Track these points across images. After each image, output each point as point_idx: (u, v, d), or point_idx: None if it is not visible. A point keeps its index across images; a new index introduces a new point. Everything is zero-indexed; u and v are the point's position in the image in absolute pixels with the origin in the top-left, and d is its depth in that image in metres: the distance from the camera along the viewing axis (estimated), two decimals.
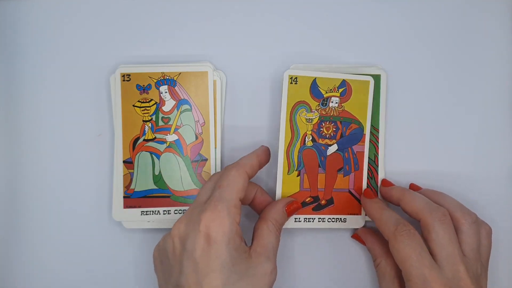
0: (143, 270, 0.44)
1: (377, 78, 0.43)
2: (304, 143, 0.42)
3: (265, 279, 0.35)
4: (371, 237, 0.42)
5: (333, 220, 0.43)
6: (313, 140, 0.43)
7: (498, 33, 0.45)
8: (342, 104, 0.43)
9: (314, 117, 0.42)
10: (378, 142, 0.43)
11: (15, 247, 0.43)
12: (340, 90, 0.43)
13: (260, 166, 0.40)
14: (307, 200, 0.43)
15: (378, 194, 0.43)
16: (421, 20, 0.45)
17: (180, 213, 0.43)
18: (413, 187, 0.43)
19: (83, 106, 0.44)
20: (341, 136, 0.43)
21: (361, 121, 0.43)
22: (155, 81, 0.42)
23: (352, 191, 0.43)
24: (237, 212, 0.35)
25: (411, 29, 0.45)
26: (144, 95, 0.42)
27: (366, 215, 0.42)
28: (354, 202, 0.43)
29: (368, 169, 0.43)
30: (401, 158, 0.44)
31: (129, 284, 0.44)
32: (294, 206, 0.41)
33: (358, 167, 0.43)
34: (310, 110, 0.42)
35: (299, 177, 0.42)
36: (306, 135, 0.42)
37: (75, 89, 0.44)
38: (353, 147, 0.43)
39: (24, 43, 0.44)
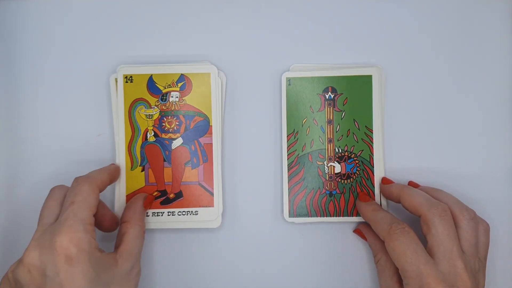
0: (144, 269, 0.44)
1: (368, 78, 0.43)
2: (146, 139, 0.44)
3: (133, 281, 0.37)
4: (373, 232, 0.42)
5: (183, 213, 0.43)
6: (156, 135, 0.44)
7: (498, 32, 0.45)
8: (183, 98, 0.44)
9: (154, 112, 0.44)
10: (373, 143, 0.43)
11: (15, 247, 0.43)
12: (179, 84, 0.44)
13: (110, 182, 0.41)
14: (154, 194, 0.43)
15: (375, 196, 0.43)
16: (421, 20, 0.45)
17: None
18: (412, 184, 0.43)
19: (83, 106, 0.44)
20: (185, 129, 0.44)
21: (205, 113, 0.44)
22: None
23: (202, 183, 0.43)
24: (92, 228, 0.35)
25: (411, 29, 0.45)
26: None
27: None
28: (205, 194, 0.43)
29: (363, 170, 0.43)
30: (400, 157, 0.44)
31: None
32: (150, 199, 0.42)
33: (207, 159, 0.43)
34: (149, 106, 0.44)
35: (143, 172, 0.43)
36: (148, 131, 0.44)
37: (75, 89, 0.44)
38: (199, 139, 0.44)
39: (24, 43, 0.45)
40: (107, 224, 0.41)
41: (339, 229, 0.44)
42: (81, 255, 0.33)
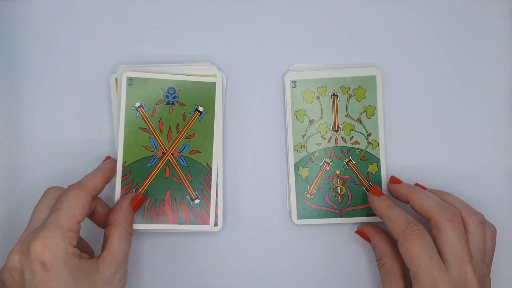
0: (145, 271, 0.44)
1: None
2: None
3: (116, 286, 0.36)
4: (377, 234, 0.41)
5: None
6: None
7: (498, 33, 0.45)
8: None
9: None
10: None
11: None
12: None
13: (106, 181, 0.40)
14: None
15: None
16: (421, 20, 0.45)
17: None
18: (419, 187, 0.42)
19: (83, 106, 0.44)
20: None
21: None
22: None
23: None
24: (73, 235, 0.35)
25: (412, 29, 0.45)
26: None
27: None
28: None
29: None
30: (401, 157, 0.44)
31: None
32: (138, 199, 0.41)
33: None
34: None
35: None
36: None
37: (74, 89, 0.44)
38: None
39: (24, 43, 0.45)
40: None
41: (346, 230, 0.44)
42: (55, 261, 0.33)
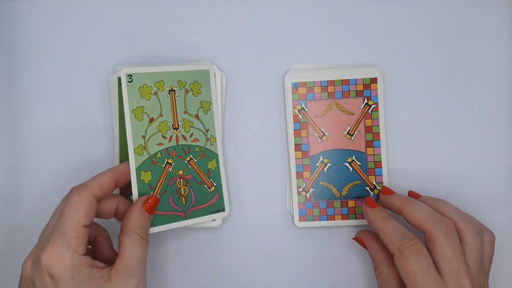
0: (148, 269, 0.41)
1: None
2: None
3: None
4: (375, 243, 0.39)
5: None
6: None
7: (498, 33, 0.44)
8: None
9: None
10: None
11: (15, 248, 0.43)
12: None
13: (117, 184, 0.38)
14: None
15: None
16: (421, 20, 0.45)
17: None
18: (413, 195, 0.41)
19: (83, 106, 0.44)
20: None
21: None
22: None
23: None
24: (79, 242, 0.34)
25: (412, 29, 0.45)
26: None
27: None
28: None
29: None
30: (401, 158, 0.44)
31: None
32: (152, 202, 0.38)
33: None
34: None
35: None
36: None
37: (74, 88, 0.44)
38: None
39: (24, 43, 0.45)
40: None
41: (348, 233, 0.44)
42: (62, 273, 0.33)
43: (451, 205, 0.38)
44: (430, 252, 0.36)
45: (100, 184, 0.36)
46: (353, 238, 0.42)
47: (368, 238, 0.40)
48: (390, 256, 0.38)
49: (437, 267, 0.35)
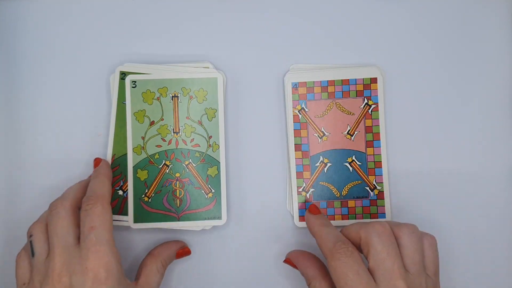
0: None
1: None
2: None
3: None
4: (303, 259, 0.39)
5: None
6: None
7: (498, 33, 0.44)
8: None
9: None
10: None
11: (15, 248, 0.41)
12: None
13: (111, 184, 0.41)
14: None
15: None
16: (421, 20, 0.45)
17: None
18: (313, 209, 0.41)
19: (83, 106, 0.44)
20: None
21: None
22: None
23: None
24: (117, 250, 0.36)
25: (412, 29, 0.45)
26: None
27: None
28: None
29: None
30: (401, 158, 0.44)
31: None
32: (185, 251, 0.42)
33: None
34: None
35: None
36: None
37: (74, 88, 0.44)
38: None
39: (24, 43, 0.45)
40: None
41: None
42: (110, 281, 0.34)
43: (388, 220, 0.40)
44: (366, 257, 0.35)
45: (110, 194, 0.39)
46: (284, 261, 0.41)
47: (296, 256, 0.40)
48: (320, 270, 0.38)
49: (371, 271, 0.34)
